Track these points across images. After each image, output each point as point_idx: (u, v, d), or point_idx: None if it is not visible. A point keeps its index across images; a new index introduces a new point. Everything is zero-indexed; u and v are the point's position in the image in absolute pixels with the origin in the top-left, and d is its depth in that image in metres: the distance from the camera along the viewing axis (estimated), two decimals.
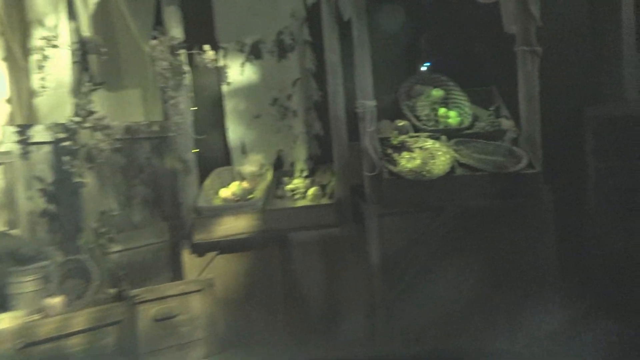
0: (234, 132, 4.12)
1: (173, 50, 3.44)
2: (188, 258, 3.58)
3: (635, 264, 3.53)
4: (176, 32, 3.66)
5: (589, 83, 4.05)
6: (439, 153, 3.44)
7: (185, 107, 3.65)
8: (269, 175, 3.89)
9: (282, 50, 4.16)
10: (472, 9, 3.70)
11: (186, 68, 3.66)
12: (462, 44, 4.18)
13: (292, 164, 4.08)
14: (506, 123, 3.67)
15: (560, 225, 3.51)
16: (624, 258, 3.62)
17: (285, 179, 3.97)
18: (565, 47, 3.98)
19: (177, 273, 3.64)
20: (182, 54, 3.61)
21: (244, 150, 4.11)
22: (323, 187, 3.85)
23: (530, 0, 3.44)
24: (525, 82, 3.48)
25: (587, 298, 3.64)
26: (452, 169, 3.38)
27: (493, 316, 3.40)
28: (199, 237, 3.54)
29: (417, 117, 3.73)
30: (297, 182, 3.90)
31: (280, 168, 4.10)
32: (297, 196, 3.80)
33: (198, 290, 3.45)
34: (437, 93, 3.86)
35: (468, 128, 3.69)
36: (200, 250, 3.56)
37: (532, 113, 3.48)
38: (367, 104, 3.46)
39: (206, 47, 3.64)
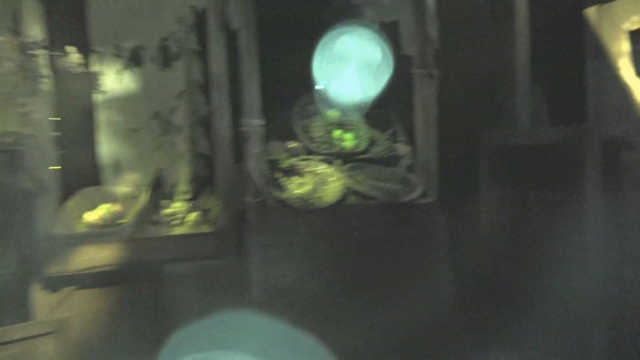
0: (107, 147, 3.63)
1: (24, 50, 2.93)
2: (39, 294, 3.03)
3: (524, 295, 3.47)
4: (35, 30, 3.14)
5: (487, 109, 4.01)
6: (331, 179, 3.20)
7: (41, 117, 3.13)
8: (145, 198, 3.44)
9: (166, 58, 3.74)
10: (372, 29, 3.52)
11: (45, 72, 3.15)
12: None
13: (173, 186, 3.66)
14: (403, 148, 3.51)
15: (454, 256, 3.39)
16: (515, 289, 3.55)
17: (164, 202, 3.54)
18: (463, 72, 3.92)
19: (24, 312, 3.07)
20: (40, 55, 3.10)
21: (117, 168, 3.63)
22: (206, 213, 3.47)
23: (428, 22, 3.31)
24: (422, 106, 3.34)
25: (482, 328, 3.54)
26: (344, 196, 3.14)
27: (386, 350, 3.18)
28: (53, 269, 3.02)
29: (311, 139, 3.47)
30: (177, 206, 3.47)
31: (159, 189, 3.66)
32: (175, 222, 3.38)
33: (48, 333, 2.92)
34: (332, 114, 3.62)
35: (363, 152, 3.48)
36: (54, 284, 3.03)
37: (428, 139, 3.33)
38: (253, 122, 3.14)
39: (71, 49, 3.16)
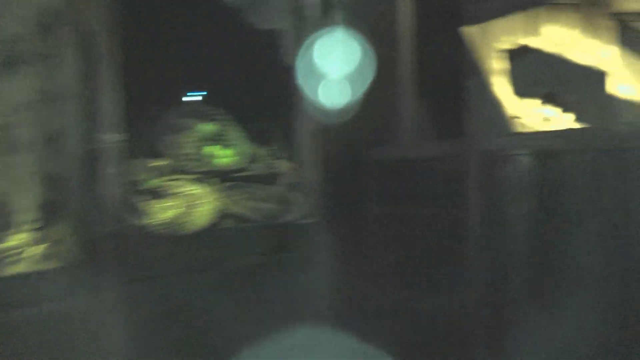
0: None
1: None
2: None
3: (408, 314, 3.35)
4: None
5: (372, 124, 3.89)
6: (203, 200, 2.86)
7: None
8: None
9: (8, 64, 3.19)
10: (254, 36, 3.27)
11: None
12: (242, 74, 3.71)
13: (15, 214, 3.09)
14: (285, 165, 3.26)
15: (341, 277, 3.19)
16: (400, 308, 3.42)
17: (3, 234, 2.97)
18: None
19: None
20: None
21: None
22: (56, 245, 2.95)
23: (310, 30, 3.12)
24: (305, 120, 3.12)
25: (369, 351, 3.36)
26: (218, 219, 2.82)
27: None
28: None
29: (180, 156, 3.10)
30: (18, 238, 2.92)
31: None
32: (13, 258, 2.83)
33: None
34: (208, 128, 3.29)
35: (242, 170, 3.18)
36: None
37: (311, 155, 3.12)
38: (112, 137, 2.73)
39: None
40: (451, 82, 5.78)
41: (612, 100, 5.69)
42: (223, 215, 2.84)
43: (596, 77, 5.70)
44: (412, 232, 3.38)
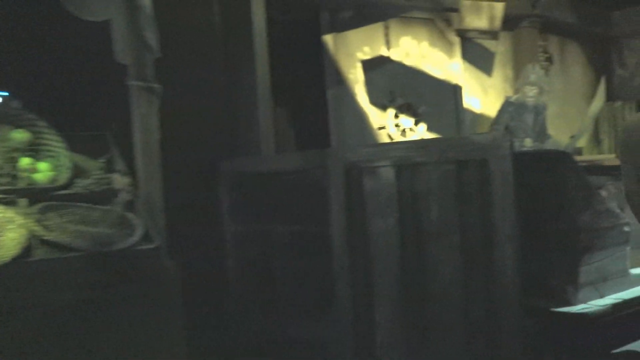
0: None
1: None
2: None
3: (276, 346, 3.04)
4: None
5: (226, 134, 3.53)
6: (10, 226, 2.26)
7: None
8: None
9: None
10: (76, 27, 2.72)
11: None
12: (63, 72, 3.11)
13: None
14: (120, 180, 2.75)
15: (194, 310, 2.77)
16: (267, 339, 3.10)
17: None
18: (199, 91, 3.37)
19: None
20: None
21: None
22: None
23: (145, 24, 2.67)
24: (142, 127, 2.66)
25: None
26: (28, 249, 2.24)
27: None
28: None
29: None
30: None
31: None
32: None
33: None
34: (19, 136, 2.67)
35: (64, 187, 2.62)
36: None
37: (151, 167, 2.66)
38: None
39: None
40: (313, 92, 5.66)
41: (462, 112, 6.00)
42: (35, 245, 2.27)
43: (448, 89, 5.98)
44: (274, 251, 3.08)
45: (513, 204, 2.25)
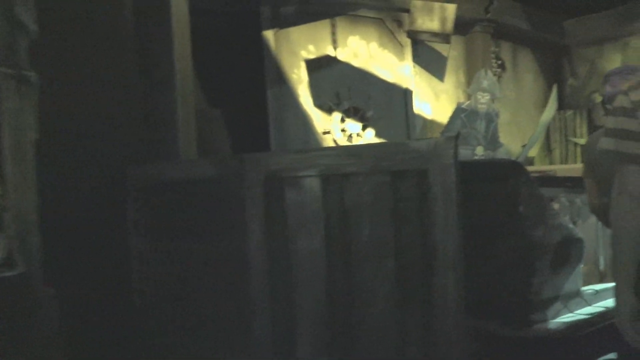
0: None
1: None
2: None
3: None
4: None
5: (139, 136, 3.04)
6: None
7: None
8: None
9: None
10: None
11: None
12: None
13: None
14: None
15: (86, 340, 2.29)
16: None
17: None
18: (101, 84, 2.87)
19: None
20: None
21: None
22: None
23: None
24: (11, 124, 2.16)
25: None
26: None
27: None
28: None
29: None
30: None
31: None
32: None
33: None
34: None
35: None
36: None
37: (23, 174, 2.16)
38: None
39: None
40: (252, 91, 5.23)
41: (412, 117, 5.71)
42: None
43: (397, 93, 5.68)
44: (187, 272, 2.62)
45: (456, 223, 1.89)
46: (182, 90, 3.10)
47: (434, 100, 6.20)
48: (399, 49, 5.51)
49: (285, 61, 5.04)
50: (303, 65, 5.11)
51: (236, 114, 4.80)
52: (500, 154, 6.13)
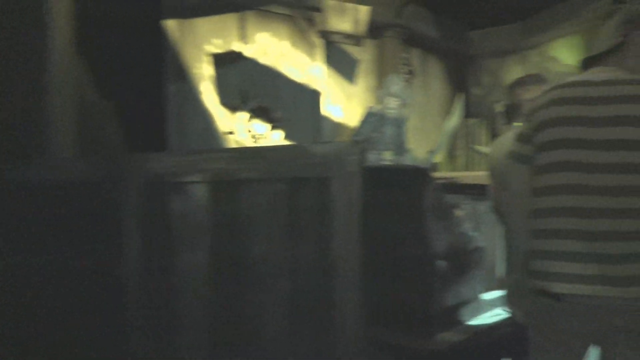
0: None
1: None
2: None
3: None
4: None
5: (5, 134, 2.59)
6: None
7: None
8: None
9: None
10: None
11: None
12: None
13: None
14: None
15: None
16: None
17: None
18: None
19: None
20: None
21: None
22: None
23: None
24: None
25: None
26: None
27: None
28: None
29: None
30: None
31: None
32: None
33: None
34: None
35: None
36: None
37: None
38: None
39: None
40: (151, 86, 4.81)
41: (321, 119, 5.56)
42: None
43: (307, 94, 5.50)
44: (47, 294, 2.23)
45: (358, 237, 1.71)
46: (57, 79, 2.69)
47: (345, 104, 6.10)
48: (310, 49, 5.33)
49: (189, 55, 4.68)
50: (208, 60, 4.77)
51: (133, 109, 4.38)
52: (407, 160, 6.15)
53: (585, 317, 1.52)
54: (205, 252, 1.87)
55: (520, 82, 2.68)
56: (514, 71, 7.52)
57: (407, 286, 2.83)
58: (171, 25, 4.56)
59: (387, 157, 6.00)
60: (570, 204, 1.56)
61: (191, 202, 1.90)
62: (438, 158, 7.44)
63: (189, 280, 1.92)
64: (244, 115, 4.75)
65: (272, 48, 4.99)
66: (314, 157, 1.81)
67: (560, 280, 1.55)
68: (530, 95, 2.44)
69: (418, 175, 2.94)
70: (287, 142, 5.00)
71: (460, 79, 7.94)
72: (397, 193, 2.97)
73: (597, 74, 1.64)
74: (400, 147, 6.13)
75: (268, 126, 4.79)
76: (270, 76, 4.95)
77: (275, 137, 4.86)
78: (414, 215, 2.88)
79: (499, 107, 7.63)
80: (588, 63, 1.72)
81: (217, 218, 1.85)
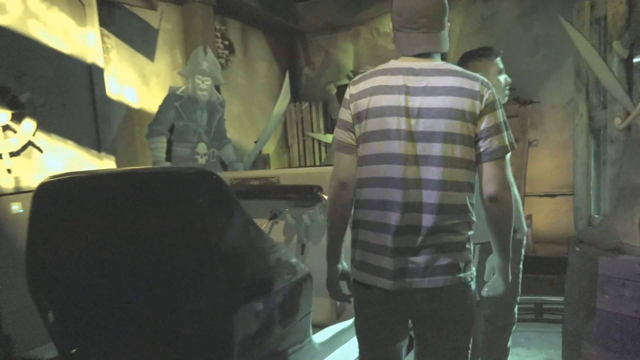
0: None
1: None
2: None
3: None
4: None
5: None
6: None
7: None
8: None
9: None
10: None
11: None
12: None
13: None
14: None
15: None
16: None
17: None
18: None
19: None
20: None
21: None
22: None
23: None
24: None
25: None
26: None
27: None
28: None
29: None
30: None
31: None
32: None
33: None
34: None
35: None
36: None
37: None
38: None
39: None
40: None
41: (106, 105, 4.21)
42: None
43: (79, 70, 4.11)
44: None
45: None
46: None
47: (142, 85, 4.80)
48: (78, 9, 3.93)
49: None
50: None
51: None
52: (227, 152, 5.08)
53: (394, 304, 1.70)
54: None
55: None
56: (345, 49, 6.79)
57: (201, 335, 1.95)
58: None
59: (202, 151, 4.86)
60: (375, 196, 1.68)
61: None
62: (269, 148, 6.48)
63: None
64: None
65: (13, 5, 3.51)
66: None
67: (368, 271, 1.71)
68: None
69: (199, 180, 1.93)
70: (48, 136, 3.60)
71: (289, 57, 7.04)
72: (169, 208, 1.96)
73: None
74: (218, 137, 5.02)
75: (10, 114, 3.35)
76: (14, 45, 3.48)
77: (26, 129, 3.43)
78: (196, 239, 1.91)
79: (332, 90, 6.85)
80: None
81: None
